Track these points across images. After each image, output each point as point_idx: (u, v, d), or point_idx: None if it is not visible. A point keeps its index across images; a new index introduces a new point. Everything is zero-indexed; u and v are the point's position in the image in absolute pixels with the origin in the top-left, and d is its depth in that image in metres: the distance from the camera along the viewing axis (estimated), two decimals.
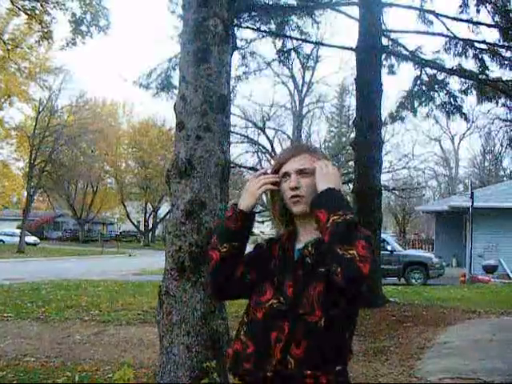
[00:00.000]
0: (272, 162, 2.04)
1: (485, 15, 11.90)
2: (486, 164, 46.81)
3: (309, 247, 1.79)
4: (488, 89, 12.91)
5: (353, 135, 16.52)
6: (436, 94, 13.65)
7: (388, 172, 31.36)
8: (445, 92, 13.53)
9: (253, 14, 12.20)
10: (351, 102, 34.80)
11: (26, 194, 37.31)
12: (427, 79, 13.40)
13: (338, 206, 1.68)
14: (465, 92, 13.31)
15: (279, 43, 14.00)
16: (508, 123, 18.03)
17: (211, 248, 1.86)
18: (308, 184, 1.80)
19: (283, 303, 1.73)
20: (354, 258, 1.56)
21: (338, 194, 1.72)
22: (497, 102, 13.85)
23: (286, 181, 1.83)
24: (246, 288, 1.84)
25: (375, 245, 10.72)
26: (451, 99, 13.55)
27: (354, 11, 12.54)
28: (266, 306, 1.75)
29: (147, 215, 51.47)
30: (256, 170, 28.53)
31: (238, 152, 30.70)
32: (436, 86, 13.47)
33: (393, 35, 12.97)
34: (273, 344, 1.69)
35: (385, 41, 12.57)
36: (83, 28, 13.10)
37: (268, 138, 31.75)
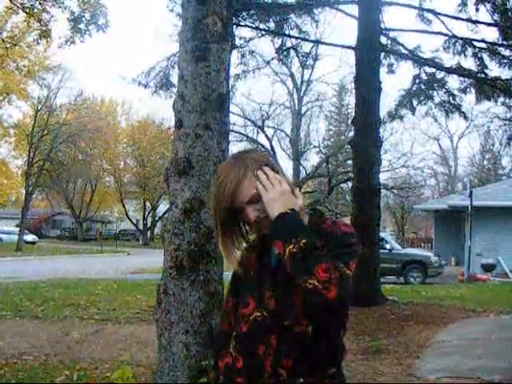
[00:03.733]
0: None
1: (484, 14, 11.89)
2: (485, 163, 46.88)
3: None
4: (487, 87, 12.90)
5: (352, 134, 16.50)
6: (435, 93, 13.65)
7: (387, 171, 31.29)
8: (444, 91, 13.53)
9: (252, 12, 12.18)
10: (350, 100, 34.82)
11: (24, 192, 37.27)
12: (426, 78, 13.40)
13: (291, 233, 1.57)
14: (464, 91, 13.31)
15: (278, 42, 13.99)
16: (507, 122, 18.05)
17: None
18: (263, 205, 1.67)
19: (266, 316, 1.67)
20: (316, 288, 1.48)
21: (289, 218, 1.60)
22: (496, 101, 13.86)
23: (243, 215, 1.71)
24: None
25: (372, 241, 10.72)
26: (450, 98, 13.55)
27: (353, 10, 12.54)
28: (250, 319, 1.70)
29: (146, 214, 51.46)
30: None
31: (237, 151, 30.67)
32: (435, 85, 13.46)
33: (392, 34, 12.95)
34: (262, 358, 1.65)
35: (384, 39, 12.56)
36: (82, 26, 13.09)
37: (267, 136, 31.72)
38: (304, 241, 1.54)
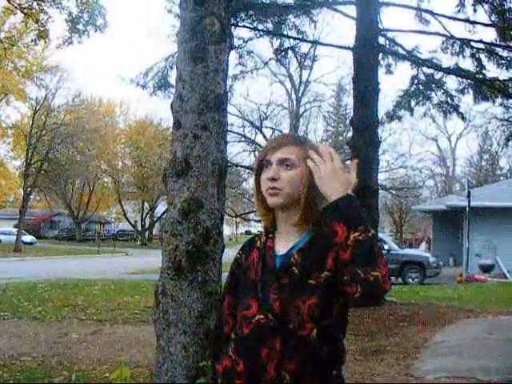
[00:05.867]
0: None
1: (482, 15, 11.88)
2: (483, 163, 46.98)
3: (294, 255, 1.66)
4: (485, 88, 12.92)
5: (350, 134, 16.52)
6: (433, 94, 13.66)
7: (385, 171, 31.40)
8: (442, 91, 13.54)
9: (250, 13, 12.18)
10: (348, 101, 34.88)
11: (22, 192, 37.23)
12: (424, 78, 13.41)
13: (358, 219, 1.53)
14: (462, 91, 13.32)
15: (276, 42, 13.99)
16: (505, 122, 18.05)
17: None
18: (289, 177, 1.67)
19: (271, 319, 1.63)
20: (379, 280, 1.47)
21: (356, 204, 1.57)
22: (494, 102, 13.87)
23: (266, 170, 1.70)
24: None
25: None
26: (448, 98, 13.56)
27: (351, 10, 12.57)
28: (253, 321, 1.66)
29: (144, 214, 51.42)
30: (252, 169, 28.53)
31: (235, 151, 30.71)
32: (433, 86, 13.48)
33: (390, 34, 12.97)
34: (265, 361, 1.61)
35: (382, 40, 12.59)
36: (80, 27, 13.05)
37: (265, 137, 31.74)
38: (373, 231, 1.51)
